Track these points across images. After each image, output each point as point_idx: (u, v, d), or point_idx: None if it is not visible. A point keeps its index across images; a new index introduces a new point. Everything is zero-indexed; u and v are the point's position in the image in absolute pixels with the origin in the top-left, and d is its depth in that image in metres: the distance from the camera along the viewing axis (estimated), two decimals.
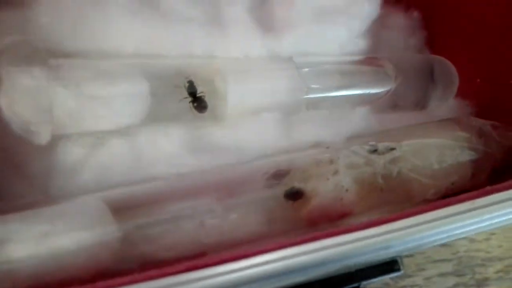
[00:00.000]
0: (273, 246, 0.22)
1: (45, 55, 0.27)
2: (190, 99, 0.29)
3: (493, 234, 0.44)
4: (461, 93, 0.36)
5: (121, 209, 0.26)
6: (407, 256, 0.42)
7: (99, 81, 0.27)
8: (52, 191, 0.27)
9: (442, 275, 0.42)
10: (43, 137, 0.26)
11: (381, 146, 0.29)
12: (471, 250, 0.43)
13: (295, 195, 0.29)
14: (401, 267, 0.23)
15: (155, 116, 0.28)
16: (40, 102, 0.26)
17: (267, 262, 0.22)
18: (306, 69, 0.31)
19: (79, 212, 0.25)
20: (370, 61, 0.34)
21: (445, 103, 0.35)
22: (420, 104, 0.36)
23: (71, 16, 0.27)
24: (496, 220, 0.25)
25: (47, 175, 0.27)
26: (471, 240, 0.43)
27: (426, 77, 0.36)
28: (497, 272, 0.43)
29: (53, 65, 0.26)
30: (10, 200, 0.28)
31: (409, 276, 0.41)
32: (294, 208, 0.29)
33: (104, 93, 0.27)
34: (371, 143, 0.29)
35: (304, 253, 0.22)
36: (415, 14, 0.38)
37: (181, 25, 0.29)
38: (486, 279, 0.43)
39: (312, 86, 0.31)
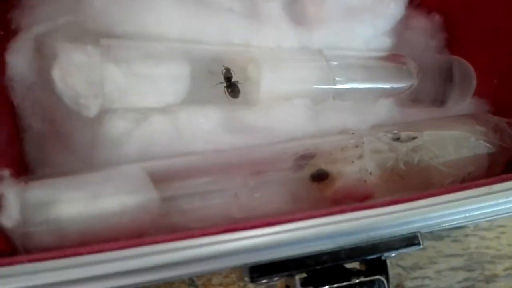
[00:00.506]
0: (303, 215, 0.24)
1: (96, 36, 0.29)
2: (225, 84, 0.31)
3: (503, 233, 0.45)
4: (479, 92, 0.38)
5: (160, 180, 0.28)
6: (419, 249, 0.43)
7: (145, 62, 0.29)
8: (96, 161, 0.29)
9: (452, 269, 0.43)
10: (92, 110, 0.29)
11: (403, 134, 0.31)
12: (481, 247, 0.45)
13: (321, 177, 0.31)
14: (421, 241, 0.25)
15: (194, 97, 0.31)
16: (91, 77, 0.28)
17: (297, 229, 0.24)
18: (335, 62, 0.33)
19: (124, 178, 0.27)
20: (394, 58, 0.36)
21: (463, 102, 0.37)
22: (439, 101, 0.37)
23: (121, 1, 0.30)
24: (510, 205, 0.27)
25: (92, 146, 0.29)
26: (482, 237, 0.45)
27: (446, 76, 0.38)
28: (506, 269, 0.44)
29: (105, 44, 0.29)
30: (56, 168, 0.30)
31: (421, 268, 0.43)
32: (320, 189, 0.31)
33: (149, 73, 0.29)
34: (394, 131, 0.31)
35: (332, 223, 0.24)
36: (437, 17, 0.40)
37: (221, 15, 0.31)
38: (495, 275, 0.44)
39: (339, 78, 0.33)
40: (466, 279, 0.43)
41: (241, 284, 0.39)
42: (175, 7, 0.30)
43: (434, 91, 0.38)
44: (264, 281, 0.25)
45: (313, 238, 0.24)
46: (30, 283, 0.21)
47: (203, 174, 0.29)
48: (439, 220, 0.25)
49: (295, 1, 0.34)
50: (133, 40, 0.30)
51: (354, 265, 0.28)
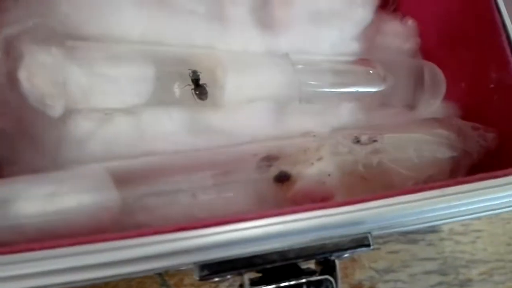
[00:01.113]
0: (255, 215, 0.25)
1: (63, 37, 0.30)
2: (192, 86, 0.32)
3: (479, 237, 0.46)
4: (449, 97, 0.38)
5: (122, 179, 0.29)
6: (393, 252, 0.43)
7: (109, 63, 0.30)
8: (61, 160, 0.30)
9: (426, 273, 0.44)
10: (56, 110, 0.29)
11: (364, 137, 0.31)
12: (456, 251, 0.45)
13: (282, 178, 0.31)
14: (371, 242, 0.25)
15: (159, 98, 0.31)
16: (56, 78, 0.29)
17: (246, 228, 0.24)
18: (300, 66, 0.34)
19: (84, 177, 0.28)
20: (362, 62, 0.36)
21: (433, 106, 0.38)
22: (410, 105, 0.38)
23: (86, 4, 0.30)
24: (463, 208, 0.27)
25: (57, 145, 0.30)
26: (457, 241, 0.45)
27: (416, 81, 0.38)
28: (481, 274, 0.45)
29: (69, 46, 0.29)
30: (22, 166, 0.31)
31: (394, 271, 0.43)
32: (282, 190, 0.31)
33: (112, 74, 0.30)
34: (355, 134, 0.31)
35: (281, 222, 0.25)
36: (410, 22, 0.41)
37: (184, 17, 0.32)
38: (469, 280, 0.44)
39: (305, 81, 0.34)
40: (440, 283, 0.44)
41: (213, 284, 0.40)
42: (137, 9, 0.31)
43: (404, 95, 0.38)
44: (216, 279, 0.26)
45: (262, 238, 0.24)
46: None
47: (163, 174, 0.29)
48: (390, 222, 0.26)
49: (263, 5, 0.35)
50: (97, 41, 0.30)
51: (311, 265, 0.28)
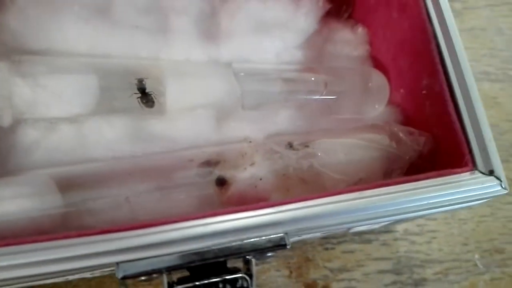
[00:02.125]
0: (177, 218, 0.27)
1: (11, 52, 0.32)
2: (139, 95, 0.34)
3: (434, 238, 0.47)
4: (392, 101, 0.39)
5: (66, 184, 0.31)
6: (347, 252, 0.45)
7: (53, 75, 0.32)
8: (11, 167, 0.32)
9: (380, 272, 0.45)
10: (4, 120, 0.31)
11: (296, 143, 0.32)
12: (411, 251, 0.46)
13: (220, 182, 0.33)
14: (288, 243, 0.27)
15: (103, 107, 0.33)
16: (2, 90, 0.31)
17: (165, 231, 0.26)
18: (242, 74, 0.35)
19: (26, 183, 0.30)
20: (304, 70, 0.38)
21: (378, 110, 0.39)
22: (356, 110, 0.39)
23: (34, 21, 0.32)
24: (380, 210, 0.28)
25: (7, 152, 0.32)
26: (412, 242, 0.46)
27: (363, 86, 0.39)
28: (436, 274, 0.46)
29: (15, 60, 0.31)
30: None
31: (348, 271, 0.44)
32: (222, 193, 0.33)
33: (56, 85, 0.32)
34: (288, 140, 0.33)
35: (201, 225, 0.26)
36: (360, 29, 0.42)
37: (129, 31, 0.34)
38: (424, 279, 0.45)
39: (248, 89, 0.35)
40: (394, 282, 0.45)
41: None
42: (82, 25, 0.33)
43: (351, 100, 0.39)
44: (142, 278, 0.27)
45: (181, 240, 0.26)
46: None
47: (105, 180, 0.31)
48: (305, 224, 0.27)
49: (209, 16, 0.36)
50: (44, 55, 0.32)
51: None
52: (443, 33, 0.33)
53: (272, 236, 0.27)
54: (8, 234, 0.28)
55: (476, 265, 0.46)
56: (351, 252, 0.45)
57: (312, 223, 0.27)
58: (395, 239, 0.46)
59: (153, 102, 0.34)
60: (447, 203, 0.29)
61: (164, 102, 0.34)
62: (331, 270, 0.44)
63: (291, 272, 0.44)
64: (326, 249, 0.45)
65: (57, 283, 0.40)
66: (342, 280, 0.44)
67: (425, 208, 0.29)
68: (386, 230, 0.46)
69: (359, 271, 0.45)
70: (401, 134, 0.35)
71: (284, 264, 0.44)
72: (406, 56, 0.37)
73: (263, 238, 0.27)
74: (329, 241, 0.45)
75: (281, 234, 0.27)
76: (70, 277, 0.38)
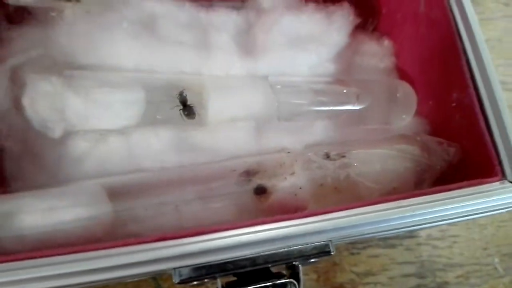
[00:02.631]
0: (228, 226, 0.28)
1: (62, 67, 0.34)
2: (181, 107, 0.36)
3: (455, 242, 0.48)
4: (420, 113, 0.41)
5: (115, 193, 0.33)
6: (373, 256, 0.46)
7: (103, 89, 0.33)
8: (61, 177, 0.34)
9: (404, 276, 0.46)
10: (56, 132, 0.33)
11: (333, 153, 0.34)
12: (433, 255, 0.48)
13: (260, 191, 0.34)
14: (332, 249, 0.29)
15: (149, 119, 0.35)
16: (55, 104, 0.32)
17: (222, 238, 0.28)
18: (279, 86, 0.37)
19: (80, 193, 0.31)
20: (337, 83, 0.40)
21: (405, 122, 0.41)
22: (384, 120, 0.41)
23: (84, 36, 0.34)
24: (417, 218, 0.30)
25: (58, 163, 0.34)
26: (434, 246, 0.48)
27: (390, 98, 0.41)
28: (457, 277, 0.47)
29: (68, 75, 0.33)
30: (27, 182, 0.34)
31: (374, 275, 0.46)
32: (261, 202, 0.35)
33: (106, 99, 0.33)
34: (325, 150, 0.34)
35: (252, 232, 0.28)
36: (386, 42, 0.44)
37: (173, 47, 0.35)
38: (446, 283, 0.47)
39: (284, 101, 0.37)
40: (417, 286, 0.46)
41: (202, 287, 0.43)
42: (131, 41, 0.34)
43: (379, 112, 0.41)
44: (194, 283, 0.29)
45: (233, 246, 0.28)
46: None
47: (153, 189, 0.33)
48: (349, 231, 0.29)
49: (246, 31, 0.38)
50: (93, 70, 0.34)
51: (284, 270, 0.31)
52: (472, 47, 0.35)
53: (317, 243, 0.29)
54: (64, 242, 0.30)
55: (496, 268, 0.48)
56: (376, 256, 0.47)
57: (354, 231, 0.29)
58: (418, 244, 0.47)
59: (194, 114, 0.36)
60: (478, 212, 0.31)
61: (205, 114, 0.35)
62: (357, 274, 0.46)
63: (318, 276, 0.45)
64: (352, 253, 0.46)
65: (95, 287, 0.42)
66: (368, 284, 0.46)
67: (457, 216, 0.31)
68: (410, 235, 0.47)
69: (384, 275, 0.46)
70: (431, 144, 0.36)
71: (312, 268, 0.45)
72: (435, 69, 0.38)
73: (309, 245, 0.29)
74: (355, 246, 0.46)
75: (326, 242, 0.29)
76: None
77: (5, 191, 0.33)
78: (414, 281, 0.46)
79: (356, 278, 0.46)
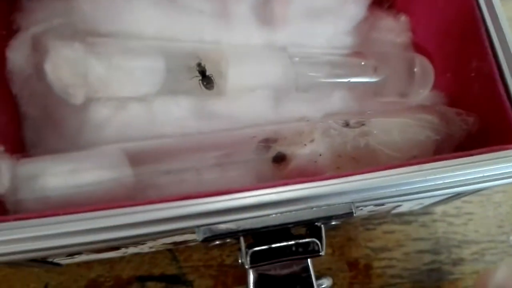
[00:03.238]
0: (250, 187, 0.28)
1: (84, 34, 0.34)
2: (200, 77, 0.36)
3: (470, 220, 0.48)
4: (437, 86, 0.41)
5: (135, 159, 0.33)
6: (388, 232, 0.46)
7: (125, 56, 0.33)
8: (82, 143, 0.34)
9: (419, 252, 0.47)
10: (78, 98, 0.33)
11: (352, 121, 0.34)
12: (449, 232, 0.48)
13: (279, 159, 0.35)
14: (354, 211, 0.29)
15: (169, 87, 0.35)
16: (77, 70, 0.33)
17: (243, 197, 0.28)
18: (297, 58, 0.37)
19: (102, 156, 0.32)
20: (354, 55, 0.40)
21: (423, 94, 0.41)
22: (401, 94, 0.41)
23: (105, 4, 0.34)
24: (439, 182, 0.30)
25: (78, 129, 0.34)
26: (450, 223, 0.48)
27: (407, 72, 0.41)
28: (472, 254, 0.47)
29: (90, 42, 0.33)
30: (47, 148, 0.35)
31: (389, 250, 0.46)
32: (279, 169, 0.35)
33: (128, 66, 0.34)
34: (345, 118, 0.34)
35: (274, 193, 0.28)
36: (403, 18, 0.44)
37: (193, 16, 0.36)
38: (462, 259, 0.47)
39: (302, 72, 0.37)
40: (432, 262, 0.46)
41: (219, 259, 0.43)
42: (152, 9, 0.34)
43: (396, 85, 0.41)
44: (217, 242, 0.29)
45: (257, 206, 0.28)
46: (16, 237, 0.26)
47: (172, 155, 0.33)
48: (370, 193, 0.29)
49: (264, 2, 0.38)
50: (115, 37, 0.34)
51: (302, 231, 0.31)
52: (491, 17, 0.35)
53: (340, 205, 0.29)
54: (87, 204, 0.30)
55: (511, 246, 0.48)
56: (392, 232, 0.47)
57: (376, 193, 0.29)
58: (434, 221, 0.47)
59: (213, 84, 0.36)
60: (499, 177, 0.31)
61: (224, 83, 0.35)
62: (373, 250, 0.46)
63: (333, 251, 0.45)
64: (368, 229, 0.46)
65: (112, 258, 0.42)
66: (383, 259, 0.46)
67: (479, 181, 0.30)
68: (425, 212, 0.47)
69: (399, 251, 0.46)
70: (449, 114, 0.36)
71: (327, 243, 0.45)
72: (453, 41, 0.38)
73: (331, 206, 0.29)
74: (370, 222, 0.46)
75: (348, 203, 0.29)
76: (129, 251, 0.39)
77: (26, 156, 0.33)
78: (429, 257, 0.46)
79: (371, 253, 0.46)
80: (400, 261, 0.46)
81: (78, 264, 0.41)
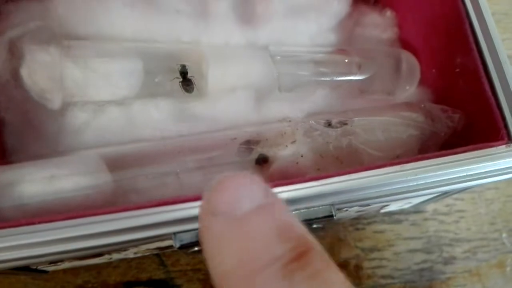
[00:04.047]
0: None
1: (60, 38, 0.33)
2: (180, 79, 0.35)
3: (462, 217, 0.48)
4: (423, 82, 0.40)
5: (114, 164, 0.32)
6: (378, 232, 0.46)
7: (101, 59, 0.33)
8: (61, 148, 0.34)
9: (411, 251, 0.46)
10: (55, 103, 0.33)
11: (335, 121, 0.34)
12: (440, 231, 0.47)
13: (262, 161, 0.34)
14: (334, 213, 0.28)
15: (148, 90, 0.34)
16: (54, 74, 0.32)
17: None
18: (279, 57, 0.36)
19: (80, 162, 0.31)
20: (338, 52, 0.39)
21: (409, 91, 0.40)
22: (387, 91, 0.40)
23: (81, 7, 0.34)
24: (421, 182, 0.29)
25: (57, 134, 0.33)
26: (441, 221, 0.47)
27: (394, 68, 0.40)
28: (465, 252, 0.47)
29: (66, 45, 0.33)
30: (28, 153, 0.34)
31: (379, 250, 0.46)
32: (263, 171, 0.34)
33: (104, 69, 0.33)
34: (327, 118, 0.34)
35: None
36: (388, 13, 0.43)
37: (172, 16, 0.35)
38: (454, 258, 0.46)
39: (284, 71, 0.37)
40: (424, 261, 0.46)
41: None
42: (128, 10, 0.34)
43: (382, 82, 0.41)
44: (195, 248, 0.29)
45: None
46: None
47: (151, 159, 0.33)
48: (350, 195, 0.28)
49: (244, 0, 0.38)
50: (91, 40, 0.34)
51: None
52: (475, 12, 0.34)
53: (320, 207, 0.28)
54: (65, 210, 0.30)
55: (503, 243, 0.47)
56: (382, 232, 0.46)
57: (356, 194, 0.29)
58: (425, 219, 0.47)
59: (192, 87, 0.35)
60: (484, 175, 0.30)
61: (205, 85, 0.35)
62: (363, 250, 0.45)
63: None
64: (357, 229, 0.46)
65: (99, 264, 0.42)
66: (374, 259, 0.45)
67: (463, 180, 0.30)
68: (416, 210, 0.47)
69: (390, 251, 0.46)
70: (435, 111, 0.36)
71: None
72: (438, 36, 0.38)
73: (312, 209, 0.28)
74: (360, 221, 0.46)
75: (328, 205, 0.28)
76: (114, 257, 0.39)
77: (7, 162, 0.32)
78: (420, 256, 0.46)
79: (361, 254, 0.45)
80: (390, 261, 0.45)
81: (64, 271, 0.41)
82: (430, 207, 0.47)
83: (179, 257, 0.43)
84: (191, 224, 0.27)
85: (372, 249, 0.45)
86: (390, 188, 0.29)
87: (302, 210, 0.28)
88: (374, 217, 0.46)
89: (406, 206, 0.44)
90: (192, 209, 0.27)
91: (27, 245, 0.26)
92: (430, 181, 0.29)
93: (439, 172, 0.29)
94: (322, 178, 0.28)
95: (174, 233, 0.27)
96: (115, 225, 0.27)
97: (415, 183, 0.29)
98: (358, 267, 0.45)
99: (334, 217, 0.28)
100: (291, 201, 0.28)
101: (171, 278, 0.42)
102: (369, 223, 0.46)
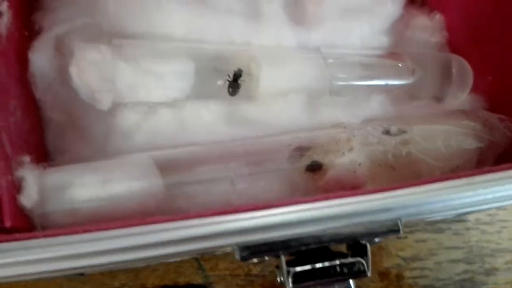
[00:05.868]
0: (291, 201, 0.27)
1: (110, 36, 0.32)
2: (230, 81, 0.34)
3: (504, 227, 0.47)
4: (476, 89, 0.39)
5: (165, 167, 0.31)
6: (420, 241, 0.45)
7: (153, 59, 0.32)
8: (109, 150, 0.32)
9: (452, 261, 0.45)
10: (105, 103, 0.32)
11: (393, 128, 0.32)
12: (482, 241, 0.46)
13: (314, 168, 0.33)
14: (401, 229, 0.27)
15: (198, 92, 0.33)
16: (104, 74, 0.31)
17: (283, 213, 0.26)
18: (331, 60, 0.35)
19: (132, 165, 0.30)
20: (391, 56, 0.38)
21: (461, 98, 0.39)
22: (437, 97, 0.39)
23: (132, 4, 0.32)
24: (489, 196, 0.28)
25: (106, 136, 0.32)
26: (483, 231, 0.46)
27: (444, 74, 0.39)
28: (506, 263, 0.46)
29: (117, 44, 0.32)
30: (72, 155, 0.33)
31: (421, 260, 0.44)
32: (314, 179, 0.33)
33: (157, 70, 0.32)
34: (384, 125, 0.33)
35: (315, 208, 0.26)
36: (437, 16, 0.42)
37: (223, 16, 0.34)
38: (495, 269, 0.45)
39: (336, 75, 0.35)
40: (465, 271, 0.45)
41: (246, 269, 0.42)
42: (181, 9, 0.33)
43: (432, 88, 0.39)
44: (255, 260, 0.28)
45: (298, 222, 0.26)
46: (45, 256, 0.24)
47: (204, 163, 0.31)
48: (418, 209, 0.27)
49: (295, 1, 0.36)
50: (143, 39, 0.32)
51: (342, 248, 0.30)
52: None
53: (385, 222, 0.27)
54: (117, 216, 0.29)
55: None
56: (424, 241, 0.45)
57: (423, 208, 0.27)
58: (467, 229, 0.46)
59: (237, 91, 0.34)
60: None
61: (256, 87, 0.34)
62: (404, 259, 0.44)
63: None
64: (399, 238, 0.45)
65: (137, 267, 0.41)
66: (415, 269, 0.44)
67: None
68: (458, 219, 0.46)
69: (431, 260, 0.45)
70: (492, 120, 0.34)
71: None
72: (494, 41, 0.36)
73: (377, 223, 0.27)
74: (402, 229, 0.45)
75: (394, 219, 0.27)
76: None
77: (49, 164, 0.31)
78: (462, 266, 0.45)
79: (402, 263, 0.44)
80: (432, 270, 0.44)
81: (102, 273, 0.40)
82: (472, 217, 0.46)
83: (217, 261, 0.42)
84: (254, 235, 0.26)
85: (414, 258, 0.44)
86: (458, 201, 0.28)
87: (367, 224, 0.27)
88: (417, 225, 0.45)
89: (450, 215, 0.43)
90: (255, 219, 0.26)
91: (83, 255, 0.25)
92: (498, 195, 0.28)
93: (508, 186, 0.28)
94: (388, 190, 0.27)
95: (237, 244, 0.26)
96: (175, 234, 0.25)
97: (483, 197, 0.28)
98: (399, 277, 0.44)
99: (401, 233, 0.27)
100: (353, 214, 0.27)
101: (210, 283, 0.41)
102: (411, 232, 0.45)
